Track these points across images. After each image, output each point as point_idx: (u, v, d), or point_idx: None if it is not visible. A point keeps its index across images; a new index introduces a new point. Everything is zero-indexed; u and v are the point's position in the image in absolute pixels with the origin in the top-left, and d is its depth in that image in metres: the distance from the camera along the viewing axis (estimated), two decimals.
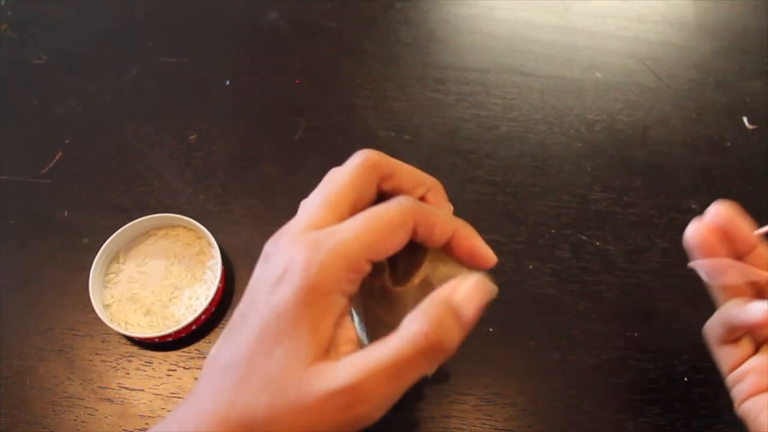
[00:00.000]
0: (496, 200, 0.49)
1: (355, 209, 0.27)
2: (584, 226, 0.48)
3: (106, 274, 0.45)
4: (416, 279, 0.28)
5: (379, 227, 0.25)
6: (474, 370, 0.41)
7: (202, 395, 0.24)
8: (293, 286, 0.24)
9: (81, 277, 0.44)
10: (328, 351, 0.24)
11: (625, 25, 0.60)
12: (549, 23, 0.60)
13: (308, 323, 0.23)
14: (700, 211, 0.49)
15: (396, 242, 0.26)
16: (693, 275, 0.46)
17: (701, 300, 0.45)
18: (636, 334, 0.43)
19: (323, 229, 0.25)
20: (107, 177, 0.50)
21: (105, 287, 0.44)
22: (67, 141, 0.52)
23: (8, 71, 0.57)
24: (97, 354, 0.43)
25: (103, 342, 0.43)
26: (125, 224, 0.45)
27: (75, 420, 0.40)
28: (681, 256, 0.47)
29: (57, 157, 0.51)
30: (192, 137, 0.52)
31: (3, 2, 0.61)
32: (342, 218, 0.26)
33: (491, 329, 0.43)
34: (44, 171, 0.51)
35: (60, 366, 0.42)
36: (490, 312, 0.43)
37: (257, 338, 0.24)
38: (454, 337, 0.25)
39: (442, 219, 0.27)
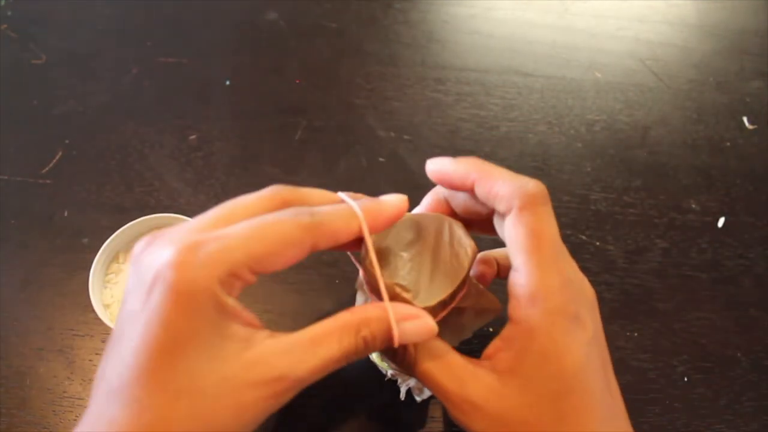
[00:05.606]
0: None
1: None
2: (584, 226, 0.48)
3: (106, 274, 0.45)
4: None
5: (271, 239, 0.23)
6: None
7: (96, 424, 0.22)
8: (165, 292, 0.22)
9: (81, 277, 0.44)
10: (234, 345, 0.23)
11: (625, 25, 0.60)
12: (549, 23, 0.60)
13: (195, 331, 0.22)
14: (700, 211, 0.50)
15: (289, 259, 0.24)
16: (693, 275, 0.47)
17: (701, 300, 0.46)
18: (636, 334, 0.43)
19: (208, 232, 0.23)
20: (107, 177, 0.50)
21: (105, 287, 0.44)
22: (67, 141, 0.52)
23: (8, 71, 0.57)
24: (97, 354, 0.43)
25: (103, 342, 0.43)
26: (125, 224, 0.45)
27: (75, 420, 0.40)
28: (681, 256, 0.47)
29: (57, 157, 0.51)
30: (192, 137, 0.52)
31: (3, 2, 0.61)
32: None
33: (491, 329, 0.43)
34: (44, 171, 0.51)
35: (60, 366, 0.42)
36: None
37: (143, 354, 0.22)
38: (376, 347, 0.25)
39: (344, 221, 0.25)
